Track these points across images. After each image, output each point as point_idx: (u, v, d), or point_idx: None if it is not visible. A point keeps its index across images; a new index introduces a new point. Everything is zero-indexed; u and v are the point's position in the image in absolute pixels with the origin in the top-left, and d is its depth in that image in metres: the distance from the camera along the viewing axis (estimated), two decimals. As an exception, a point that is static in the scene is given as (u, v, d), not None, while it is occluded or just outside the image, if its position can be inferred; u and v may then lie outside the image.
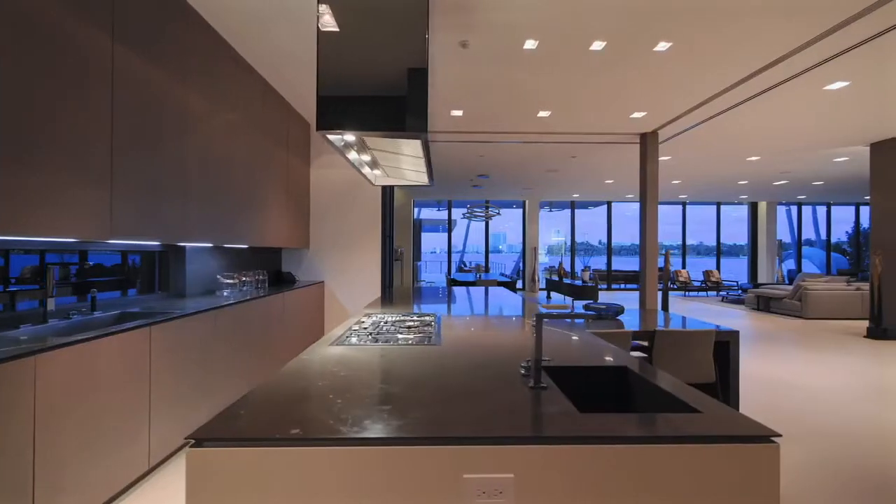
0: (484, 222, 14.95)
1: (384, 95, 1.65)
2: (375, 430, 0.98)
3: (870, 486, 2.53)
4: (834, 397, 4.07)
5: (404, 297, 3.85)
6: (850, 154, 7.82)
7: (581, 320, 3.49)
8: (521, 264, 15.83)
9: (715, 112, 5.54)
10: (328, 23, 1.95)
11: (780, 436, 0.95)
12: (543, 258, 17.91)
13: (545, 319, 2.60)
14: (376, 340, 1.93)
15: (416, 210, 16.19)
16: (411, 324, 2.32)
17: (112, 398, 2.18)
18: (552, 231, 19.98)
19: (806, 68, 4.21)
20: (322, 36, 1.68)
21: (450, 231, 15.74)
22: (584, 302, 4.61)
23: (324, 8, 1.92)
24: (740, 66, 4.23)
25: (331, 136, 1.83)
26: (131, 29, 2.52)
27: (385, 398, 1.18)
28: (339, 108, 1.63)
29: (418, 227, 16.92)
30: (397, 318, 2.49)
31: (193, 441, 0.94)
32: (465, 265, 17.45)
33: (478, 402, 1.17)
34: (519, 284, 15.51)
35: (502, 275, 12.75)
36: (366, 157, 2.29)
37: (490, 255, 15.97)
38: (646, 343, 3.18)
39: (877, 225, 7.09)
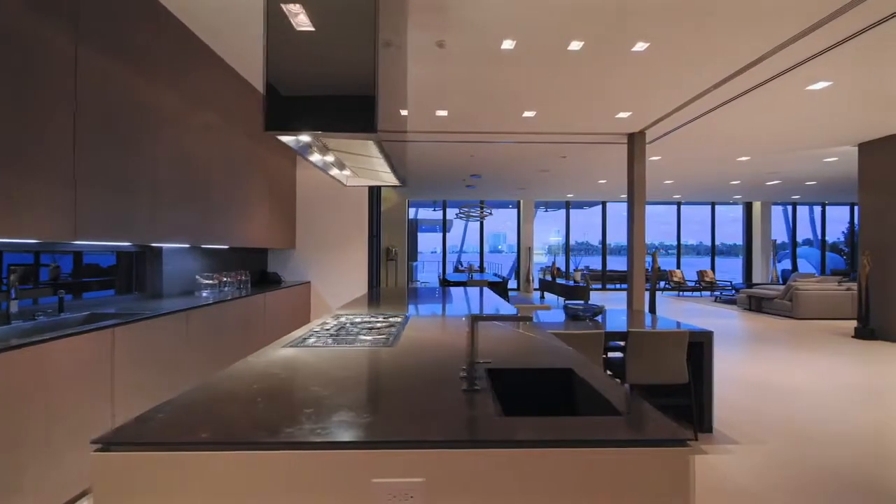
0: (480, 222, 14.94)
1: (332, 94, 1.64)
2: (287, 434, 0.97)
3: (862, 488, 2.52)
4: (816, 398, 4.06)
5: (387, 297, 3.84)
6: (840, 154, 7.81)
7: (560, 320, 3.48)
8: (517, 264, 15.82)
9: (700, 112, 5.54)
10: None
11: (694, 439, 0.94)
12: (542, 258, 17.89)
13: (530, 322, 2.59)
14: (335, 342, 1.91)
15: (411, 210, 16.18)
16: (377, 325, 2.31)
17: (72, 401, 2.16)
18: (552, 231, 19.94)
19: (787, 68, 4.20)
20: (271, 33, 1.67)
21: (444, 231, 15.74)
22: (570, 302, 4.59)
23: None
24: (720, 67, 4.22)
25: (283, 138, 1.82)
26: (97, 28, 2.51)
27: (311, 401, 1.17)
28: (285, 108, 1.62)
29: (414, 227, 16.90)
30: (364, 319, 2.48)
31: (100, 445, 0.92)
32: (462, 265, 17.42)
33: (405, 405, 1.16)
34: (514, 284, 15.50)
35: (496, 275, 12.72)
36: (329, 158, 2.28)
37: (490, 255, 15.96)
38: (623, 343, 3.17)
39: (865, 225, 7.08)
